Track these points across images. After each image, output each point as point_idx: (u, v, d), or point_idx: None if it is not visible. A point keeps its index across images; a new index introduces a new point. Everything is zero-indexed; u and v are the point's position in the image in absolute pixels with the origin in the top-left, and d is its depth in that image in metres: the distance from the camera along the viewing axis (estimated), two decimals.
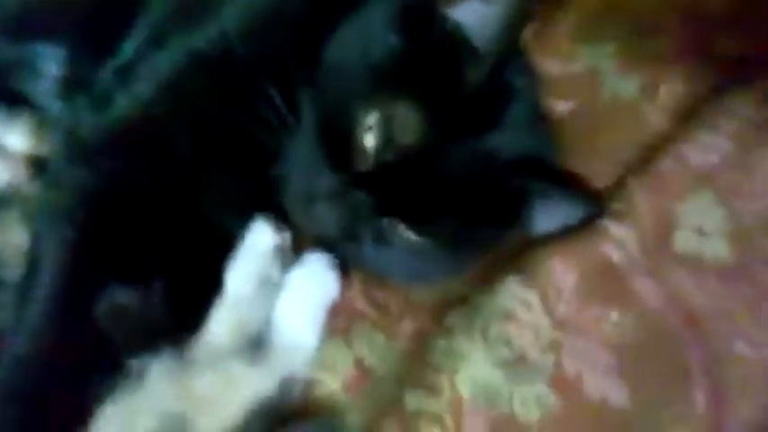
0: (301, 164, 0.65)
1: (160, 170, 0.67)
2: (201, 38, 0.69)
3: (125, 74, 0.70)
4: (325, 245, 0.69)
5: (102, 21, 0.73)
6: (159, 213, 0.67)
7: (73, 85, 0.74)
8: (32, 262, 0.66)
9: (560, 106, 0.73)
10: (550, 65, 0.73)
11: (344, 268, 0.70)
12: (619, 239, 0.66)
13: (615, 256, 0.66)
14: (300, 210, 0.65)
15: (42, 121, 0.74)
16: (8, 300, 0.66)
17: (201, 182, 0.68)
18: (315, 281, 0.69)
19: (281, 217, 0.69)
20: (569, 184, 0.65)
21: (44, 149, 0.74)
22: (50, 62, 0.73)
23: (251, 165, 0.68)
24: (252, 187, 0.69)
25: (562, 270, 0.66)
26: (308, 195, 0.64)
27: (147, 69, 0.69)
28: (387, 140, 0.62)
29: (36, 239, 0.67)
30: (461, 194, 0.62)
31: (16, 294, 0.66)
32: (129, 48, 0.71)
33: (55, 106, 0.75)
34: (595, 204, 0.65)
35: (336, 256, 0.69)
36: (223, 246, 0.68)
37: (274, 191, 0.67)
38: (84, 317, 0.64)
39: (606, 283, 0.65)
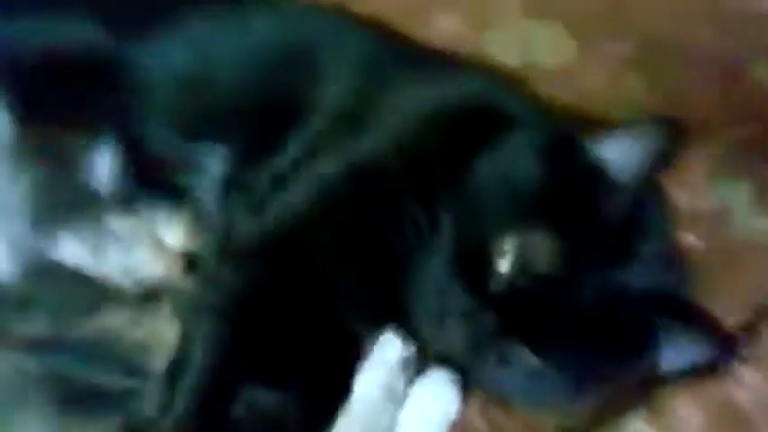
0: (435, 280, 0.67)
1: (305, 276, 0.70)
2: (358, 151, 0.73)
3: (282, 180, 0.74)
4: (447, 361, 0.70)
5: (265, 126, 0.77)
6: (299, 317, 0.70)
7: (232, 186, 0.77)
8: (180, 355, 0.69)
9: (689, 240, 0.74)
10: (682, 197, 0.74)
11: (465, 386, 0.71)
12: (749, 384, 0.64)
13: (744, 401, 0.64)
14: (430, 325, 0.67)
15: (199, 219, 0.78)
16: (153, 389, 0.69)
17: (339, 289, 0.71)
18: (437, 397, 0.70)
19: (408, 329, 0.71)
20: (700, 324, 0.65)
21: (198, 247, 0.77)
22: (214, 161, 0.77)
23: (385, 275, 0.70)
24: (384, 297, 0.71)
25: (687, 411, 0.66)
26: (438, 312, 0.66)
27: (302, 178, 0.73)
28: (521, 266, 0.63)
29: (185, 333, 0.71)
30: (589, 325, 0.63)
31: (161, 384, 0.69)
32: (287, 154, 0.75)
33: (213, 205, 0.78)
34: (725, 346, 0.64)
35: (458, 374, 0.70)
36: (353, 352, 0.71)
37: (405, 303, 0.69)
38: (223, 414, 0.67)
39: (733, 429, 0.63)
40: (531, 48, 0.86)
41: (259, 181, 0.75)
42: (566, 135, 0.69)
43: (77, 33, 0.81)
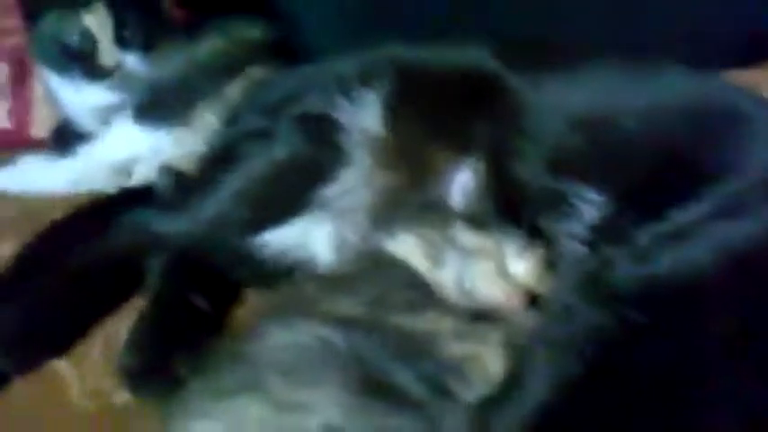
0: None
1: (684, 344, 0.54)
2: None
3: (673, 236, 0.62)
4: None
5: (655, 184, 0.68)
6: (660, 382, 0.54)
7: (603, 234, 0.67)
8: (510, 387, 0.58)
9: None
10: None
11: None
12: None
13: None
14: None
15: (553, 260, 0.68)
16: (461, 414, 0.55)
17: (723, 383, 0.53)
18: None
19: None
20: None
21: (544, 285, 0.66)
22: (587, 206, 0.69)
23: None
24: None
25: None
26: None
27: (704, 236, 0.61)
28: None
29: (521, 365, 0.59)
30: None
31: (474, 412, 0.55)
32: (681, 217, 0.64)
33: (575, 248, 0.68)
34: None
35: None
36: None
37: None
38: None
39: None
40: None
41: (642, 233, 0.63)
42: None
43: (472, 59, 0.80)
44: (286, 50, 1.07)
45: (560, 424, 0.54)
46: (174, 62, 1.00)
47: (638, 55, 0.78)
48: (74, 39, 0.96)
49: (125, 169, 0.98)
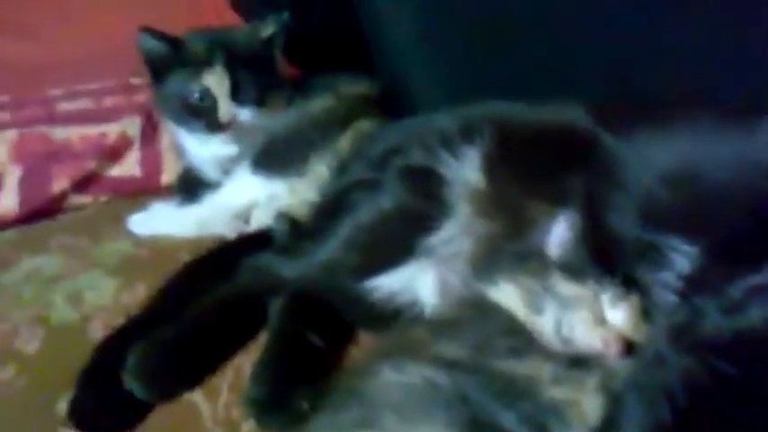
0: None
1: None
2: None
3: (762, 292, 0.64)
4: None
5: (747, 235, 0.70)
6: None
7: (695, 285, 0.70)
8: (608, 429, 0.61)
9: None
10: None
11: None
12: None
13: None
14: None
15: (647, 309, 0.71)
16: None
17: None
18: None
19: None
20: None
21: (638, 334, 0.70)
22: (680, 257, 0.72)
23: None
24: None
25: None
26: None
27: None
28: None
29: (618, 409, 0.62)
30: None
31: None
32: None
33: (668, 298, 0.71)
34: None
35: None
36: None
37: None
38: None
39: None
40: None
41: (732, 286, 0.65)
42: None
43: (567, 116, 0.85)
44: (391, 105, 1.14)
45: None
46: (287, 117, 1.09)
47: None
48: (195, 96, 1.06)
49: (244, 215, 1.08)
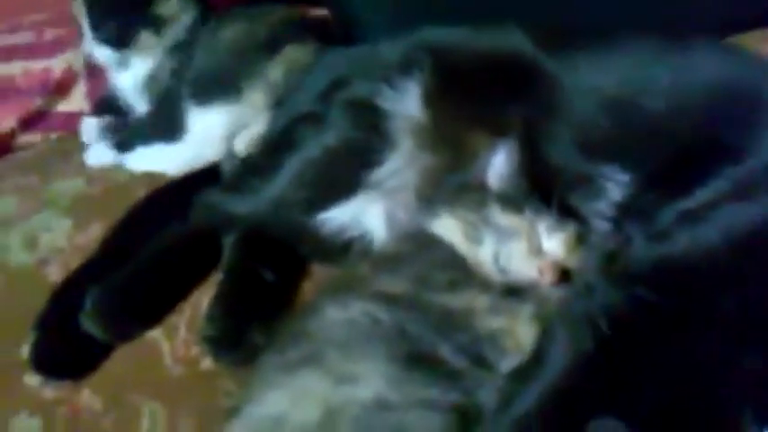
0: None
1: (693, 323, 0.60)
2: None
3: (690, 216, 0.66)
4: None
5: (679, 162, 0.72)
6: (670, 359, 0.60)
7: (627, 212, 0.72)
8: (537, 357, 0.64)
9: None
10: None
11: None
12: None
13: None
14: None
15: (582, 237, 0.74)
16: (497, 382, 0.63)
17: (729, 361, 0.59)
18: None
19: None
20: None
21: (575, 261, 0.73)
22: (613, 185, 0.74)
23: None
24: None
25: None
26: None
27: (718, 217, 0.65)
28: None
29: (547, 338, 0.65)
30: None
31: (508, 380, 0.63)
32: (702, 194, 0.68)
33: (602, 227, 0.74)
34: None
35: None
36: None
37: None
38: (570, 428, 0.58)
39: None
40: None
41: (662, 212, 0.67)
42: None
43: (508, 42, 0.84)
44: (337, 32, 1.12)
45: (572, 397, 0.60)
46: (207, 46, 1.07)
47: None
48: None
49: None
